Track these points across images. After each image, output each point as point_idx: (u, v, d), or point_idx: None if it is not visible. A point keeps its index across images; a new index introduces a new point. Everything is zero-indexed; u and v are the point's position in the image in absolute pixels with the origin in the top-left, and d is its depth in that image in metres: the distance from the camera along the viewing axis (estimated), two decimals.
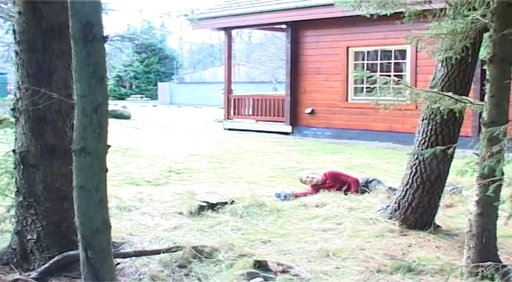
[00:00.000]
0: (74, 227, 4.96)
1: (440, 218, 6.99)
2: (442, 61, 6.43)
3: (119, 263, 5.03)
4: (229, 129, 20.06)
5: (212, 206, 7.53)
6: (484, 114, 5.01)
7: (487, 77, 5.02)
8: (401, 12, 6.24)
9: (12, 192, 5.40)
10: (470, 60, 6.26)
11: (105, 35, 2.87)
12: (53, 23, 4.94)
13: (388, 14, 6.09)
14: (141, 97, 49.34)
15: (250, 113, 20.44)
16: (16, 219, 5.24)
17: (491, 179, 4.47)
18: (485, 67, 5.17)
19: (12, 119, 5.29)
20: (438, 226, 6.78)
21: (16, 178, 5.22)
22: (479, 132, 13.70)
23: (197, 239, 6.18)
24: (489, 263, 4.90)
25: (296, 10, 17.71)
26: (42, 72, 4.95)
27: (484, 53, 6.03)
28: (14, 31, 5.05)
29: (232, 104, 20.87)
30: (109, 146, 3.06)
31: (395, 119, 15.68)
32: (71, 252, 4.89)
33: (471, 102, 5.59)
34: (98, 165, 3.00)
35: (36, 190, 5.11)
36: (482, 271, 4.82)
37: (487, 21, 5.02)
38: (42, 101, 4.50)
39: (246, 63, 48.10)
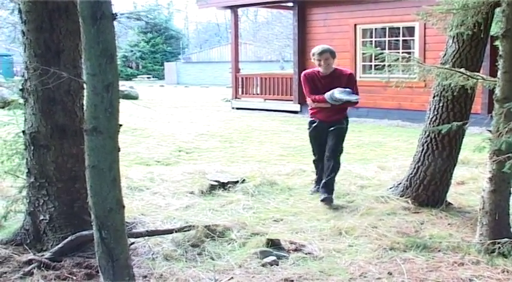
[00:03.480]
0: (86, 207, 4.97)
1: (451, 195, 6.96)
2: (453, 37, 6.35)
3: (133, 243, 5.04)
4: (238, 109, 20.01)
5: (223, 185, 7.53)
6: (497, 90, 4.95)
7: (500, 53, 4.95)
8: None
9: (23, 173, 5.40)
10: (482, 36, 6.18)
11: (113, 12, 2.84)
12: (60, 2, 4.89)
13: None
14: (148, 77, 49.28)
15: (258, 92, 20.36)
16: (28, 200, 5.25)
17: (508, 155, 4.42)
18: (495, 43, 5.10)
19: (21, 100, 5.27)
20: (450, 203, 6.75)
21: (27, 159, 5.21)
22: (488, 109, 13.62)
23: (209, 218, 6.19)
24: (506, 239, 4.87)
25: None
26: (50, 52, 4.92)
27: (495, 28, 5.95)
28: (19, 10, 5.00)
29: (240, 83, 20.80)
30: (121, 125, 3.03)
31: (404, 97, 15.60)
32: (84, 232, 4.90)
33: (483, 78, 5.52)
34: (110, 144, 2.97)
35: (47, 171, 5.10)
36: (499, 248, 4.80)
37: None
38: (52, 81, 4.46)
39: (252, 42, 47.87)
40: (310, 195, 7.33)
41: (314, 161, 7.56)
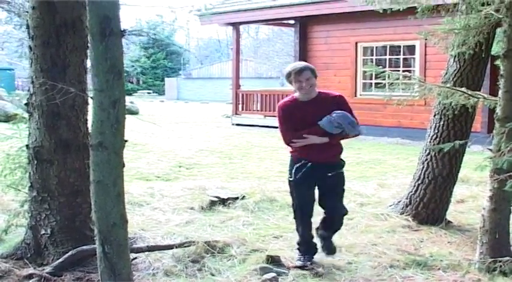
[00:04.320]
0: (88, 221, 5.03)
1: (451, 214, 6.97)
2: (455, 56, 6.40)
3: (135, 258, 5.05)
4: (238, 125, 20.05)
5: (223, 201, 7.54)
6: (498, 110, 4.99)
7: (501, 72, 4.99)
8: (413, 7, 6.22)
9: (25, 187, 5.42)
10: (483, 56, 6.23)
11: (122, 29, 2.87)
12: (67, 18, 4.94)
13: (400, 9, 6.06)
14: (148, 93, 49.37)
15: (259, 108, 20.42)
16: (30, 214, 5.26)
17: (509, 174, 4.44)
18: (496, 63, 5.15)
19: (25, 115, 5.30)
20: (450, 221, 6.76)
21: (30, 173, 5.23)
22: (488, 127, 13.63)
23: (209, 234, 6.19)
24: (507, 258, 4.88)
25: (305, 5, 17.64)
26: (56, 67, 4.96)
27: (496, 48, 6.00)
28: (27, 26, 5.06)
29: (240, 99, 20.86)
30: (126, 141, 3.06)
31: (404, 115, 15.64)
32: (85, 247, 4.91)
33: (484, 98, 5.56)
34: (115, 159, 3.00)
35: (50, 185, 5.12)
36: (500, 266, 4.81)
37: (501, 16, 4.99)
38: (58, 96, 4.50)
39: (253, 58, 48.02)
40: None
41: (299, 220, 5.45)
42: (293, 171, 5.22)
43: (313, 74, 5.14)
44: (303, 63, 5.30)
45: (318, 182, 5.25)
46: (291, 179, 5.26)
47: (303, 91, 5.14)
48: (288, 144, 5.22)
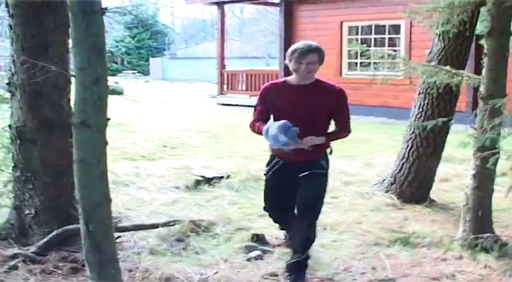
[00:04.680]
0: (72, 201, 5.00)
1: (435, 192, 7.02)
2: (439, 35, 6.42)
3: (119, 236, 5.05)
4: (223, 105, 20.02)
5: (208, 181, 7.55)
6: (482, 88, 5.01)
7: (485, 51, 5.01)
8: None
9: (8, 167, 5.39)
10: (467, 35, 6.25)
11: (103, 7, 2.85)
12: None
13: None
14: (133, 73, 49.03)
15: (244, 88, 20.39)
16: (14, 195, 5.23)
17: (491, 151, 4.48)
18: (481, 42, 5.16)
19: (7, 94, 5.25)
20: (433, 200, 6.82)
21: (13, 153, 5.19)
22: (473, 107, 13.71)
23: (194, 213, 6.20)
24: (488, 234, 4.94)
25: None
26: (37, 46, 4.91)
27: (480, 27, 6.02)
28: (6, 4, 4.99)
29: (225, 79, 20.82)
30: (109, 119, 3.04)
31: (389, 94, 15.67)
32: (69, 227, 4.90)
33: (468, 76, 5.60)
34: (98, 138, 2.99)
35: (33, 165, 5.09)
36: (482, 242, 4.86)
37: None
38: (39, 75, 4.46)
39: (238, 38, 47.86)
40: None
41: (271, 214, 4.99)
42: (268, 167, 4.71)
43: (319, 59, 4.36)
44: (314, 45, 4.37)
45: (292, 182, 4.53)
46: (265, 175, 4.79)
47: (297, 74, 4.41)
48: (250, 128, 4.65)
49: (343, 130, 4.60)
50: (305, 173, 4.44)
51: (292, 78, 4.53)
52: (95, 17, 2.74)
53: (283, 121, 4.22)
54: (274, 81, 4.74)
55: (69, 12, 2.87)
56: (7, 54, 5.26)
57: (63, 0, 4.86)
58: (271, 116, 4.56)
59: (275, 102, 4.47)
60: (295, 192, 4.52)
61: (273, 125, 4.29)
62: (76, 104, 2.89)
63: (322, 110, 4.42)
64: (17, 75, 4.99)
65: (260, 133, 4.44)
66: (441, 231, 5.73)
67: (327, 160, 4.62)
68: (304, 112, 4.35)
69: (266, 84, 4.69)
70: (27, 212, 5.13)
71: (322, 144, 4.46)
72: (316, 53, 4.34)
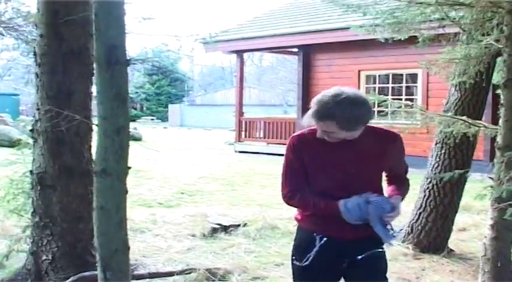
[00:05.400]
0: (89, 248, 5.04)
1: (453, 242, 6.96)
2: (456, 85, 6.46)
3: None
4: (240, 152, 20.08)
5: (225, 229, 7.55)
6: (499, 139, 5.01)
7: (502, 102, 5.02)
8: (414, 36, 6.27)
9: (27, 212, 5.44)
10: (483, 85, 6.28)
11: (128, 58, 2.92)
12: (73, 46, 5.02)
13: (402, 39, 6.13)
14: (152, 119, 49.49)
15: (262, 135, 20.48)
16: (32, 240, 5.28)
17: (509, 202, 4.46)
18: (497, 91, 5.19)
19: (29, 140, 5.35)
20: (451, 250, 6.76)
21: (33, 199, 5.26)
22: (490, 156, 13.60)
23: (210, 261, 6.19)
24: None
25: (308, 34, 17.80)
26: (61, 94, 5.03)
27: (497, 77, 6.05)
28: (34, 53, 5.14)
29: (243, 126, 20.93)
30: (129, 168, 3.08)
31: (407, 143, 15.25)
32: (85, 273, 4.91)
33: (485, 126, 5.60)
34: (118, 186, 3.01)
35: (52, 211, 5.15)
36: None
37: (500, 46, 5.04)
38: (63, 123, 4.55)
39: (256, 86, 48.26)
40: None
41: None
42: (299, 251, 3.19)
43: (340, 124, 2.97)
44: (328, 108, 3.01)
45: (338, 270, 3.17)
46: (296, 263, 3.19)
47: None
48: (286, 202, 3.21)
49: (405, 182, 3.38)
50: (362, 256, 3.14)
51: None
52: (119, 68, 2.80)
53: (366, 194, 3.02)
54: (305, 130, 3.25)
55: (94, 62, 2.95)
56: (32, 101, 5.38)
57: (88, 48, 4.99)
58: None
59: (312, 156, 3.12)
60: None
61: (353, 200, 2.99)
62: (97, 152, 2.94)
63: (374, 161, 3.14)
64: (40, 122, 5.10)
65: (325, 211, 3.05)
66: None
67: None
68: (352, 167, 3.06)
69: (296, 133, 3.29)
70: (44, 257, 5.16)
71: None
72: (330, 120, 2.97)
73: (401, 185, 3.34)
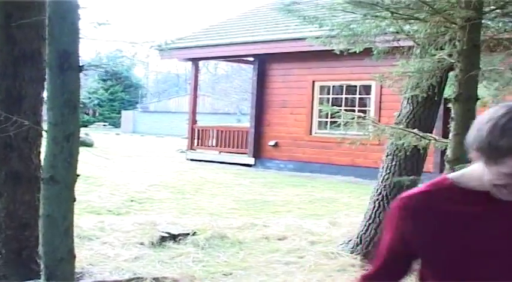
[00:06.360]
0: (34, 255, 4.91)
1: None
2: (408, 98, 6.55)
3: None
4: (192, 160, 19.96)
5: (174, 237, 7.48)
6: (448, 152, 5.08)
7: (452, 115, 5.10)
8: (369, 49, 6.34)
9: None
10: (435, 99, 6.38)
11: (80, 64, 2.87)
12: (26, 50, 4.92)
13: (357, 51, 6.18)
14: (104, 125, 48.93)
15: (214, 144, 20.41)
16: None
17: None
18: (449, 105, 5.27)
19: None
20: None
21: None
22: (441, 168, 13.78)
23: (158, 270, 6.12)
24: None
25: (264, 43, 17.85)
26: (11, 98, 4.92)
27: (448, 91, 6.15)
28: None
29: (196, 134, 20.83)
30: (78, 175, 3.03)
31: (358, 154, 15.79)
32: None
33: (435, 139, 5.69)
34: (66, 194, 2.96)
35: None
36: None
37: (453, 60, 5.13)
38: (12, 128, 4.45)
39: (210, 94, 48.21)
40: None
41: None
42: None
43: None
44: None
45: None
46: None
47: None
48: None
49: None
50: None
51: (478, 183, 1.80)
52: (71, 74, 2.76)
53: None
54: (423, 189, 1.89)
55: (46, 67, 2.89)
56: None
57: (41, 53, 4.89)
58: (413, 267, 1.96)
59: (437, 240, 1.79)
60: None
61: None
62: (46, 159, 2.88)
63: None
64: None
65: None
66: None
67: None
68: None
69: (406, 194, 1.89)
70: None
71: None
72: None
73: None
